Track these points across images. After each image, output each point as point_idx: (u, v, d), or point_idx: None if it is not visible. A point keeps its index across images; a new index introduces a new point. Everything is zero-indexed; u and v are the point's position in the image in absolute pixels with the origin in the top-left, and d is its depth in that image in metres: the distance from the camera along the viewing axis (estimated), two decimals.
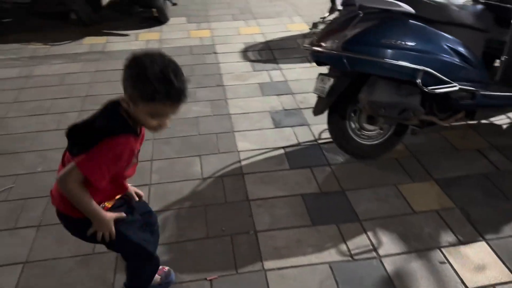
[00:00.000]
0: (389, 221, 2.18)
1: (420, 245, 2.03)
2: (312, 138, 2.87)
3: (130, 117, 1.34)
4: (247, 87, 3.52)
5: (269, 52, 4.17)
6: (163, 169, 2.58)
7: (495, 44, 2.42)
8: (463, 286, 1.82)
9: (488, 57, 2.49)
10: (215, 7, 5.52)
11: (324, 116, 2.55)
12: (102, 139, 1.29)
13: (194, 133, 2.91)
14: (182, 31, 4.75)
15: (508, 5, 2.34)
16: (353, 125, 2.58)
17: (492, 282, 1.84)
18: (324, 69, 2.54)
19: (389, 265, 1.93)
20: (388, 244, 2.05)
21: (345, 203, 2.31)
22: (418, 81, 2.18)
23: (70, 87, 3.55)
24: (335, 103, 2.48)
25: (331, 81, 2.39)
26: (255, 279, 1.88)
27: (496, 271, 1.89)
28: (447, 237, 2.07)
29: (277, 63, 3.94)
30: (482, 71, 2.40)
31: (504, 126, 2.98)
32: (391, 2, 2.19)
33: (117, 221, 1.47)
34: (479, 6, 2.44)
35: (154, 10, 4.85)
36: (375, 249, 2.02)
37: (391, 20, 2.25)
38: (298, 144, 2.81)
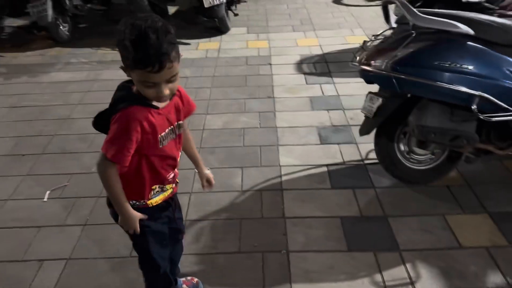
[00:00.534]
0: (432, 254, 2.05)
1: (463, 284, 1.88)
2: (358, 157, 2.78)
3: None
4: (298, 101, 3.49)
5: (324, 65, 4.11)
6: None
7: None
8: None
9: None
10: (276, 18, 5.56)
11: (373, 135, 2.46)
12: (112, 116, 1.30)
13: (239, 145, 2.94)
14: (241, 42, 4.83)
15: None
16: (402, 148, 2.47)
17: None
18: (376, 88, 2.45)
19: None
20: (428, 280, 1.92)
21: (386, 230, 2.21)
22: (474, 107, 2.03)
23: None
24: (384, 123, 2.39)
25: (379, 101, 2.30)
26: None
27: None
28: (495, 278, 1.90)
29: (331, 76, 3.87)
30: None
31: None
32: (448, 22, 2.07)
33: (144, 225, 1.46)
34: None
35: (216, 20, 4.98)
36: (412, 283, 1.90)
37: (448, 41, 2.12)
38: (343, 162, 2.73)
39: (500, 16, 2.78)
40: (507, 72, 2.07)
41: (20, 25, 5.70)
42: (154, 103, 1.32)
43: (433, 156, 2.46)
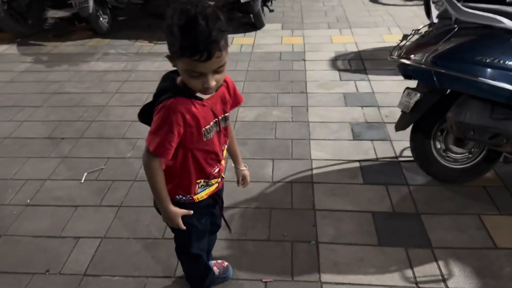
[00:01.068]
0: (466, 253, 2.00)
1: (497, 284, 1.83)
2: (392, 154, 2.74)
3: None
4: (331, 96, 3.47)
5: (359, 62, 4.07)
6: None
7: None
8: None
9: None
10: (312, 15, 5.54)
11: (408, 133, 2.42)
12: (154, 108, 1.27)
13: (271, 137, 2.95)
14: (275, 37, 4.84)
15: None
16: (438, 146, 2.42)
17: None
18: (414, 84, 2.41)
19: None
20: (460, 278, 1.88)
21: (419, 227, 2.17)
22: None
23: None
24: (421, 120, 2.35)
25: (417, 96, 2.26)
26: None
27: None
28: None
29: (366, 73, 3.83)
30: None
31: None
32: (493, 17, 2.02)
33: (189, 223, 1.46)
34: None
35: (251, 15, 5.02)
36: (444, 280, 1.87)
37: (491, 36, 2.06)
38: (376, 159, 2.70)
39: None
40: None
41: (62, 17, 5.91)
42: (199, 94, 1.28)
43: (470, 155, 2.40)
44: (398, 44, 2.35)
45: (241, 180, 1.69)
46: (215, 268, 1.87)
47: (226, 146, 1.50)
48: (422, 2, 2.48)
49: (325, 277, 1.91)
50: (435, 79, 2.09)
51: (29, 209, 2.39)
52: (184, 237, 1.56)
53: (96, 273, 1.97)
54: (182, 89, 1.26)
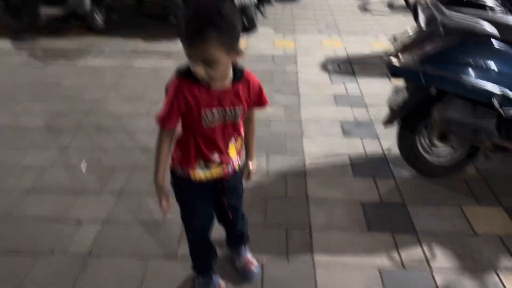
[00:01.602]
0: (447, 238, 2.16)
1: (476, 266, 1.99)
2: (380, 151, 2.90)
3: None
4: (322, 97, 3.63)
5: (348, 66, 4.25)
6: None
7: None
8: None
9: None
10: (303, 22, 5.73)
11: (394, 131, 2.59)
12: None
13: (265, 133, 3.08)
14: (268, 41, 5.00)
15: None
16: (423, 141, 2.58)
17: None
18: (401, 83, 2.58)
19: (440, 279, 1.92)
20: (442, 260, 2.03)
21: (405, 215, 2.32)
22: (495, 103, 2.15)
23: (162, 80, 3.87)
24: (407, 117, 2.52)
25: (405, 94, 2.43)
26: (304, 270, 1.98)
27: None
28: (507, 262, 2.00)
29: (355, 76, 4.01)
30: None
31: None
32: (475, 23, 2.21)
33: (187, 200, 1.64)
34: None
35: (244, 18, 5.16)
36: (427, 262, 2.02)
37: (474, 40, 2.24)
38: (365, 154, 2.86)
39: None
40: None
41: (56, 14, 5.97)
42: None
43: (452, 151, 2.58)
44: (390, 47, 2.51)
45: (246, 174, 1.75)
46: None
47: (234, 142, 1.56)
48: (408, 13, 2.67)
49: (318, 259, 2.04)
50: (422, 78, 2.26)
51: (32, 195, 2.46)
52: (182, 212, 1.70)
53: (99, 254, 2.06)
54: (189, 72, 1.36)
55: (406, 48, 2.40)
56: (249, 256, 1.98)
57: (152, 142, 2.98)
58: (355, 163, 2.76)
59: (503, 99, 2.15)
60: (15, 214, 2.31)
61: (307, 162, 2.78)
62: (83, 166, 2.71)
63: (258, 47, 4.79)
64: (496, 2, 3.70)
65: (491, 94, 2.16)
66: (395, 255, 2.06)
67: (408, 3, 5.39)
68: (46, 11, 5.97)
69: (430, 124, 2.50)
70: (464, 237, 2.17)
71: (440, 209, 2.36)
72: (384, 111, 2.61)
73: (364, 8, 6.27)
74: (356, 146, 2.94)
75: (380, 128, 3.00)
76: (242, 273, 1.94)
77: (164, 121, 1.43)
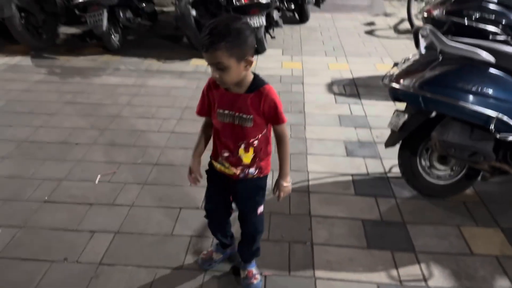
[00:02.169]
0: (445, 257, 2.23)
1: (472, 285, 2.06)
2: (382, 170, 2.99)
3: None
4: (327, 117, 3.75)
5: (353, 88, 4.38)
6: None
7: None
8: None
9: None
10: (310, 43, 5.89)
11: (396, 152, 2.69)
12: None
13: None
14: (276, 62, 5.16)
15: None
16: (423, 163, 2.67)
17: None
18: (403, 106, 2.68)
19: None
20: (439, 278, 2.10)
21: (404, 234, 2.40)
22: (491, 127, 2.24)
23: (174, 98, 4.09)
24: (408, 139, 2.62)
25: (405, 117, 2.54)
26: (305, 284, 2.06)
27: None
28: (502, 282, 2.07)
29: (360, 98, 4.13)
30: None
31: None
32: (472, 50, 2.32)
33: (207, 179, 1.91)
34: None
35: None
36: (425, 280, 2.09)
37: (471, 66, 2.35)
38: (367, 174, 2.95)
39: None
40: None
41: (74, 33, 6.22)
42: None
43: (452, 173, 2.66)
44: (389, 71, 2.64)
45: (276, 190, 1.85)
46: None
47: (245, 149, 1.71)
48: (412, 36, 2.80)
49: (319, 273, 2.12)
50: (421, 102, 2.37)
51: (47, 205, 2.59)
52: None
53: (110, 263, 2.17)
54: None
55: (406, 73, 2.52)
56: (253, 269, 2.07)
57: (162, 158, 3.13)
58: (357, 182, 2.85)
59: (499, 123, 2.25)
60: (31, 223, 2.43)
61: (311, 179, 2.88)
62: (97, 178, 2.84)
63: (266, 67, 4.95)
64: (498, 29, 3.85)
65: (487, 118, 2.26)
66: (394, 272, 2.14)
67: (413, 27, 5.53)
68: (65, 30, 6.25)
69: (430, 146, 2.60)
70: (461, 257, 2.24)
71: (438, 228, 2.44)
72: (387, 133, 2.72)
73: (370, 31, 6.43)
74: (359, 166, 3.04)
75: (382, 149, 3.10)
76: (244, 285, 2.03)
77: (197, 109, 1.78)
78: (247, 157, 1.74)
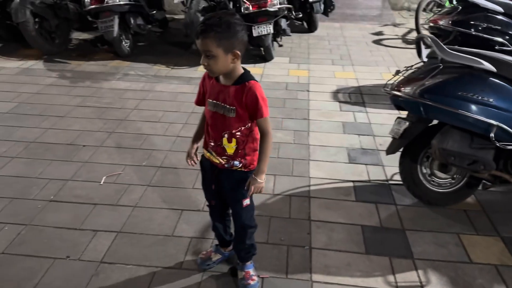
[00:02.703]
0: (443, 265, 2.23)
1: None
2: (383, 177, 3.00)
3: None
4: (331, 124, 3.78)
5: (359, 96, 4.40)
6: None
7: None
8: None
9: None
10: (318, 52, 5.93)
11: (399, 157, 2.70)
12: None
13: (273, 156, 3.22)
14: (283, 69, 5.20)
15: None
16: (424, 170, 2.68)
17: None
18: (405, 115, 2.70)
19: None
20: (437, 285, 2.10)
21: (403, 240, 2.41)
22: (491, 135, 2.25)
23: (180, 103, 4.15)
24: (409, 146, 2.63)
25: (406, 124, 2.55)
26: (302, 287, 2.08)
27: None
28: None
29: (364, 106, 4.15)
30: None
31: None
32: (473, 59, 2.34)
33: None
34: None
35: (262, 48, 5.41)
36: (422, 286, 2.09)
37: (471, 75, 2.37)
38: (369, 180, 2.97)
39: None
40: None
41: (86, 38, 6.36)
42: (220, 77, 1.77)
43: (452, 181, 2.66)
44: (391, 79, 2.66)
45: (247, 183, 1.85)
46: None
47: (228, 139, 1.79)
48: (415, 45, 2.84)
49: (316, 277, 2.14)
50: (422, 110, 2.40)
51: (52, 204, 2.65)
52: None
53: (111, 261, 2.21)
54: None
55: (408, 81, 2.54)
56: (250, 271, 2.10)
57: (166, 161, 3.18)
58: (358, 188, 2.87)
59: (500, 132, 2.26)
60: (35, 221, 2.49)
61: (312, 185, 2.90)
62: (103, 179, 2.90)
63: (273, 75, 5.00)
64: (504, 40, 3.85)
65: (488, 127, 2.27)
66: (391, 278, 2.14)
67: None
68: (77, 35, 6.39)
69: (430, 154, 2.61)
70: (459, 264, 2.24)
71: (438, 236, 2.44)
72: (390, 140, 2.73)
73: (377, 40, 6.46)
74: (361, 172, 3.05)
75: (385, 156, 3.10)
76: (241, 286, 2.06)
77: (195, 100, 1.94)
78: (230, 148, 1.82)
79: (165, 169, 3.04)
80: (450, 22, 4.15)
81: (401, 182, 2.78)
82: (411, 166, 2.66)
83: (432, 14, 6.07)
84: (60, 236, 2.38)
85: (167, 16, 6.89)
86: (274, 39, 5.67)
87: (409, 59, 5.60)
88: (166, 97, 4.31)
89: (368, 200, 2.75)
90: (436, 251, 2.33)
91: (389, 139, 2.74)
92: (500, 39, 3.94)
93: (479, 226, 2.53)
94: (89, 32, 6.39)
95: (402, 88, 2.51)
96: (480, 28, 3.99)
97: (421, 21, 6.24)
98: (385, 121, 3.81)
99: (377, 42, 6.45)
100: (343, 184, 2.92)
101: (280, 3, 5.25)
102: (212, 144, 1.86)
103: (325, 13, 6.79)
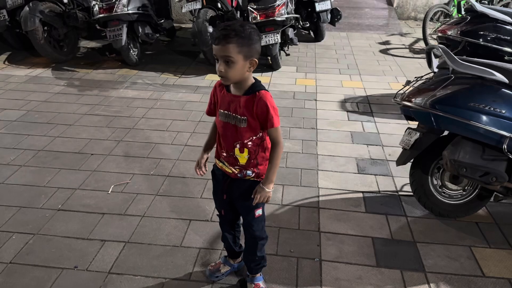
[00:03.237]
0: (455, 278, 2.20)
1: None
2: (393, 188, 2.97)
3: None
4: (339, 133, 3.76)
5: (367, 106, 4.38)
6: None
7: None
8: None
9: None
10: (325, 61, 5.93)
11: (408, 170, 2.67)
12: None
13: (282, 165, 3.20)
14: (290, 79, 5.20)
15: None
16: (435, 181, 2.65)
17: None
18: (415, 125, 2.68)
19: None
20: None
21: (414, 253, 2.37)
22: (504, 147, 2.23)
23: (188, 112, 4.15)
24: (420, 157, 2.61)
25: (417, 135, 2.54)
26: None
27: None
28: None
29: (373, 116, 4.13)
30: None
31: None
32: (485, 70, 2.32)
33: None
34: None
35: (269, 58, 5.42)
36: None
37: (483, 86, 2.36)
38: (378, 191, 2.94)
39: None
40: None
41: (94, 47, 6.40)
42: (231, 87, 1.76)
43: (464, 192, 2.63)
44: (401, 89, 2.65)
45: (254, 191, 1.82)
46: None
47: (240, 149, 1.79)
48: (425, 55, 2.83)
49: None
50: (433, 120, 2.38)
51: (60, 213, 2.64)
52: None
53: (119, 272, 2.19)
54: None
55: (419, 91, 2.53)
56: (260, 283, 2.07)
57: (174, 170, 3.17)
58: (368, 200, 2.84)
59: (511, 143, 2.23)
60: (43, 231, 2.48)
61: (321, 195, 2.88)
62: (110, 188, 2.89)
63: (280, 84, 4.99)
64: None
65: (500, 138, 2.25)
66: None
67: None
68: (85, 44, 6.44)
69: (441, 165, 2.58)
70: (472, 278, 2.20)
71: (449, 249, 2.40)
72: (400, 151, 2.71)
73: (385, 50, 6.44)
74: (370, 183, 3.03)
75: (394, 167, 3.09)
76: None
77: (206, 110, 1.94)
78: (242, 158, 1.81)
79: (173, 178, 3.03)
80: (459, 32, 4.13)
81: (411, 193, 2.75)
82: (422, 177, 2.63)
83: (439, 23, 6.07)
84: (68, 246, 2.37)
85: (175, 25, 6.93)
86: (281, 48, 5.68)
87: (417, 68, 5.60)
88: (174, 105, 4.31)
89: (378, 212, 2.72)
90: (448, 264, 2.29)
91: (398, 150, 2.72)
92: (509, 50, 3.92)
93: (492, 238, 2.49)
94: (97, 41, 6.46)
95: (413, 99, 2.49)
96: (489, 38, 3.98)
97: (428, 31, 6.24)
98: (394, 131, 3.79)
99: (384, 51, 6.45)
100: (352, 195, 2.89)
101: (288, 13, 5.27)
102: (225, 154, 1.86)
103: (332, 22, 6.79)
